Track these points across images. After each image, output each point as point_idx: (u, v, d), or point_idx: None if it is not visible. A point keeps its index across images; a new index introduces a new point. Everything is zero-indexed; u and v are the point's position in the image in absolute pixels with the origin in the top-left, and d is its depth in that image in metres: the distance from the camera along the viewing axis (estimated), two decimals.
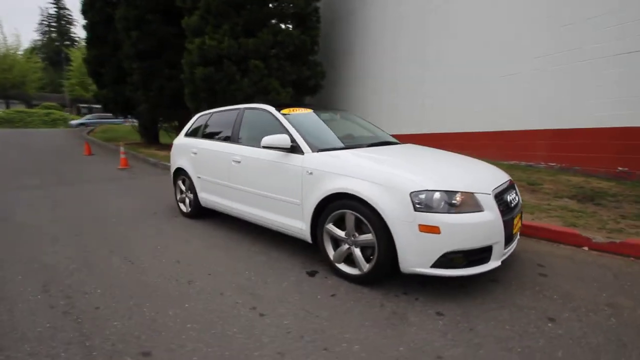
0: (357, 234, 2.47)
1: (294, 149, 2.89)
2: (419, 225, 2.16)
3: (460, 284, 2.46)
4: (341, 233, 2.56)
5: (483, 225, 2.21)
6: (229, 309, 2.20)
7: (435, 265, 2.19)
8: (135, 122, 14.45)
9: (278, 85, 8.50)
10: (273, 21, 9.01)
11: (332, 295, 2.36)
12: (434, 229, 2.14)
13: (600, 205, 4.15)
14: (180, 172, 4.38)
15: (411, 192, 2.21)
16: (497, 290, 2.39)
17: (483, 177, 2.54)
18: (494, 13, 6.63)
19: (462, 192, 2.24)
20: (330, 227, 2.61)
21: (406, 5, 8.47)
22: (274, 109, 3.30)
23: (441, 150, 3.28)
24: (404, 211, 2.20)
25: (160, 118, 11.85)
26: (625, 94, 4.92)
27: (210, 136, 3.98)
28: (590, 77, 5.25)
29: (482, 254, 2.25)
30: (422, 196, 2.20)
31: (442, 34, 7.60)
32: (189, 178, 4.17)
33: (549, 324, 2.01)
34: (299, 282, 2.57)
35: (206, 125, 4.16)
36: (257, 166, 3.19)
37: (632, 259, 2.89)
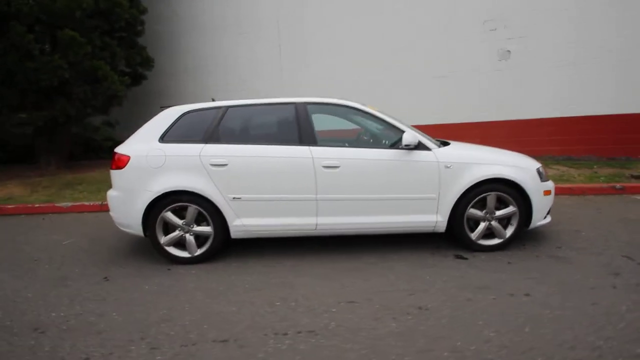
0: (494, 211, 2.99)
1: (418, 145, 2.89)
2: (544, 191, 3.03)
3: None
4: (481, 213, 2.97)
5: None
6: (506, 306, 2.19)
7: (544, 218, 3.15)
8: None
9: (109, 70, 6.16)
10: None
11: (509, 263, 2.80)
12: (549, 192, 3.08)
13: None
14: (173, 199, 2.81)
15: (537, 169, 3.03)
16: (548, 229, 3.58)
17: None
18: (339, 26, 7.93)
19: (542, 165, 3.29)
20: (472, 210, 2.95)
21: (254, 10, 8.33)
22: (359, 104, 3.02)
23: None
24: (536, 184, 2.98)
25: None
26: (443, 103, 7.59)
27: (248, 139, 2.86)
28: (424, 90, 7.64)
29: None
30: (539, 170, 3.07)
31: (296, 40, 8.19)
32: (203, 204, 2.82)
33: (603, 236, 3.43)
34: (472, 267, 2.76)
35: (222, 125, 2.91)
36: (372, 168, 2.87)
37: None
